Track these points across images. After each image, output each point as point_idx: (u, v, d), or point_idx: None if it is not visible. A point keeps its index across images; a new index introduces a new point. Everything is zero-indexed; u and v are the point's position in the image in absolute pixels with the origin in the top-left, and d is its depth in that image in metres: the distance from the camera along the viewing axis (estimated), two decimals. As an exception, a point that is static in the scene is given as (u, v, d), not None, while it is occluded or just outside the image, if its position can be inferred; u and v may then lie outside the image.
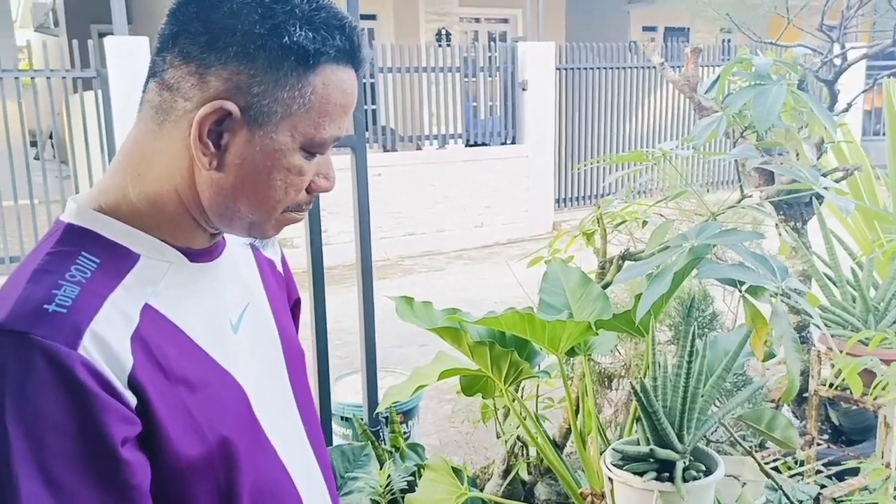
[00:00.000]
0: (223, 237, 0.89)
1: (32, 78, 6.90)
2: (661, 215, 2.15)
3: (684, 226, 2.16)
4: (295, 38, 0.74)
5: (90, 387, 0.68)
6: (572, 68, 9.26)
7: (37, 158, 8.34)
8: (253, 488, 0.82)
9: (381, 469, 2.08)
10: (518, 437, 2.14)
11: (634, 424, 1.72)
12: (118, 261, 0.77)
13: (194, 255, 0.83)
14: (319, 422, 1.03)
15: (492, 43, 9.53)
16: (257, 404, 0.85)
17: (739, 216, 2.19)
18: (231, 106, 0.74)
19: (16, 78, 6.87)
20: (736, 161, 1.97)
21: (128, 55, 6.78)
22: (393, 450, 2.15)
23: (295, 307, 1.09)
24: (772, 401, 2.28)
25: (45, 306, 0.70)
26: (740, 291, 1.51)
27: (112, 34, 6.82)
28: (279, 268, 1.04)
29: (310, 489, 0.92)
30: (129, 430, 0.71)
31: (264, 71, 0.74)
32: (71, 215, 0.79)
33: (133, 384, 0.71)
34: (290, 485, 0.89)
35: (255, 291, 0.94)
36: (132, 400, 0.71)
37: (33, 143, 8.85)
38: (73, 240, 0.77)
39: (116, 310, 0.73)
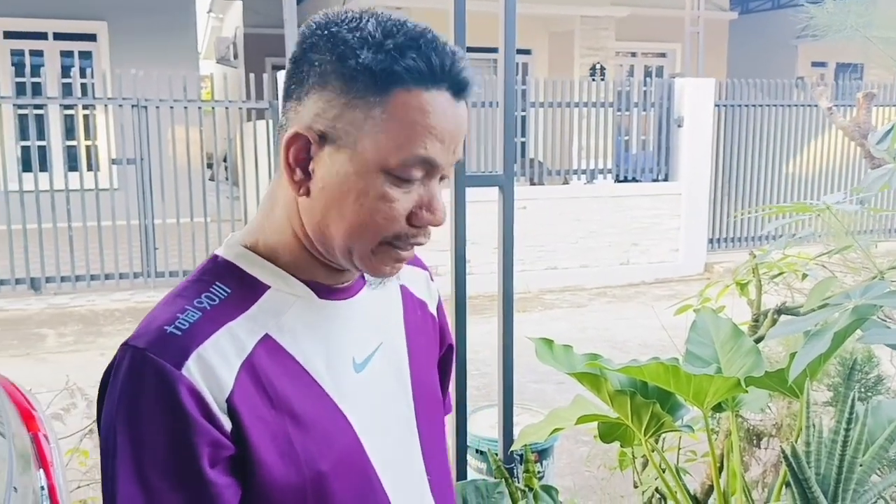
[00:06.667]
0: (362, 278, 0.91)
1: (213, 107, 7.51)
2: (826, 267, 2.03)
3: (850, 279, 2.02)
4: (361, 61, 0.75)
5: (187, 406, 0.73)
6: (733, 105, 8.93)
7: (212, 180, 9.05)
8: None
9: (513, 507, 2.06)
10: (656, 490, 2.07)
11: (784, 489, 1.62)
12: (247, 292, 0.82)
13: (323, 292, 0.85)
14: (448, 465, 1.03)
15: (647, 78, 9.37)
16: (370, 444, 0.86)
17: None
18: (307, 131, 0.78)
19: (199, 107, 7.53)
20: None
21: (297, 87, 7.25)
22: (527, 489, 2.13)
23: (448, 352, 1.10)
24: (945, 477, 2.07)
25: (166, 327, 0.76)
26: (910, 357, 1.40)
27: (284, 67, 7.34)
28: (432, 310, 1.04)
29: None
30: (219, 453, 0.75)
31: (337, 96, 0.76)
32: (222, 249, 0.86)
33: (230, 408, 0.75)
34: None
35: (393, 332, 0.95)
36: (227, 424, 0.75)
37: (209, 166, 9.59)
38: (214, 270, 0.84)
39: (230, 337, 0.78)
